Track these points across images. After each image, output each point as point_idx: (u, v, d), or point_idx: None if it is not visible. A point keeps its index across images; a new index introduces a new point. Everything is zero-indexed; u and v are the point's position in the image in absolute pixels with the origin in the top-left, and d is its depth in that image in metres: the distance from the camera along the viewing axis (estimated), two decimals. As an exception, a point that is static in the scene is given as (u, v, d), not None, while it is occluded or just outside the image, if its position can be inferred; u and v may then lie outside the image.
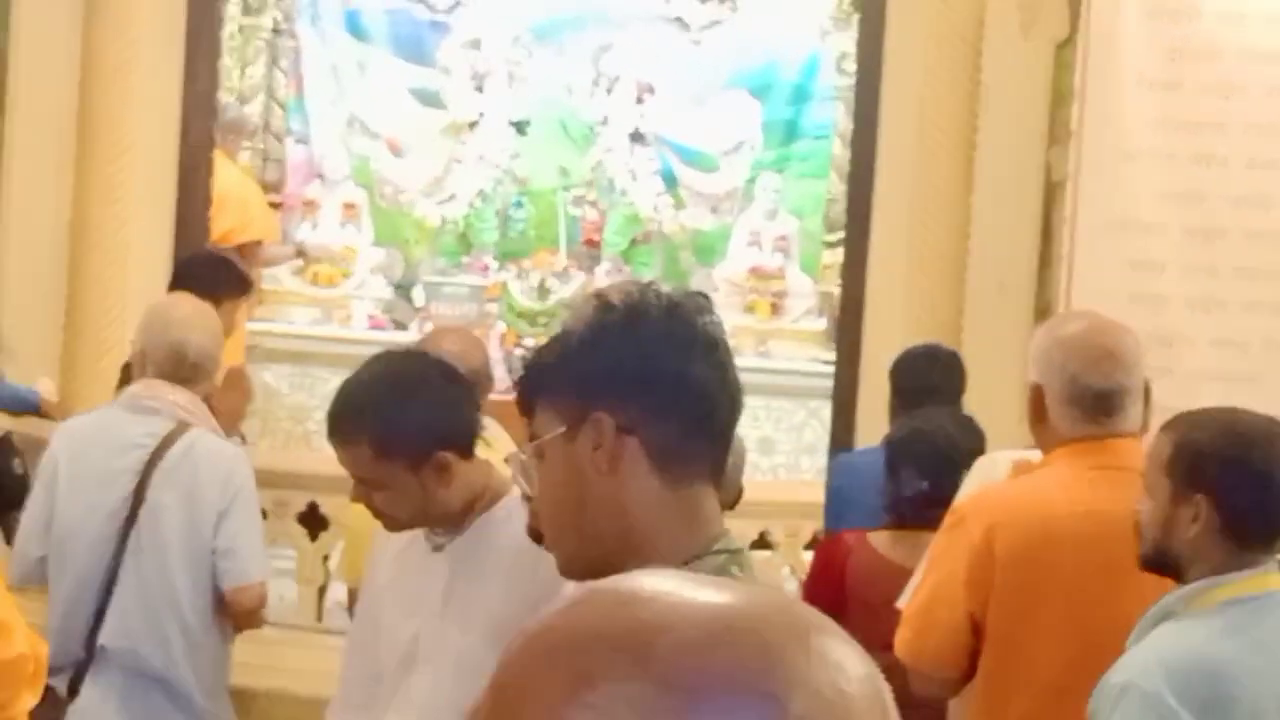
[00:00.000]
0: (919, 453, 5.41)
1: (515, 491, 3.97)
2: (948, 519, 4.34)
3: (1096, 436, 4.23)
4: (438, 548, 3.98)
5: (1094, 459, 4.21)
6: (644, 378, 2.50)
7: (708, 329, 2.54)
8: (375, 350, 4.21)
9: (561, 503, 2.57)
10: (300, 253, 12.16)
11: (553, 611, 1.24)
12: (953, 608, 4.21)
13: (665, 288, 2.60)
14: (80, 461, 5.20)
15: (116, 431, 5.18)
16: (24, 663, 3.98)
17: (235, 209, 9.87)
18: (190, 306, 5.41)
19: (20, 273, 8.24)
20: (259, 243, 10.78)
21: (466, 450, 3.92)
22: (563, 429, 2.52)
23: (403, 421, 3.82)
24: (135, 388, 5.23)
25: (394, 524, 3.96)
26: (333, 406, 3.91)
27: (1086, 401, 4.22)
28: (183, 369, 5.18)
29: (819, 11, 12.52)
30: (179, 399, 5.14)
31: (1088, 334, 4.34)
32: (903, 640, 4.30)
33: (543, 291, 12.34)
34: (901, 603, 4.51)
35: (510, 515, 3.88)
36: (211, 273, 6.99)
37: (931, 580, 4.31)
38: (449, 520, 3.93)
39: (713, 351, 2.54)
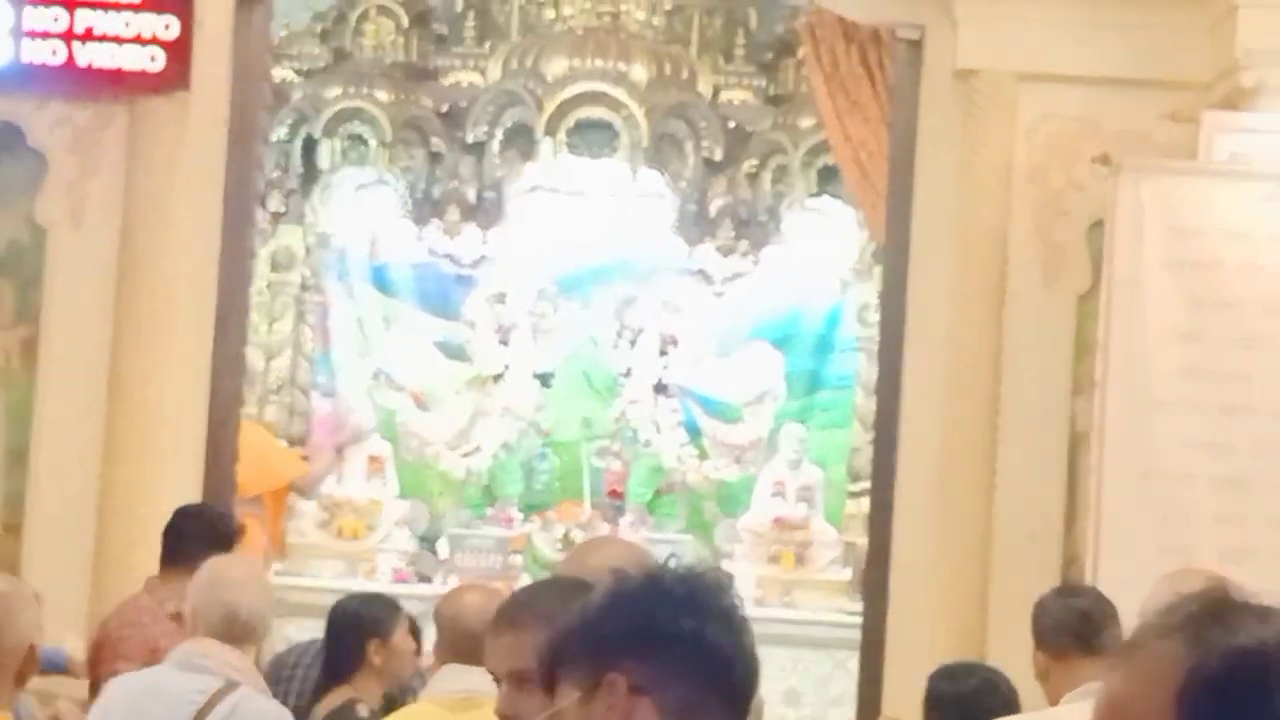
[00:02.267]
0: (948, 713, 5.37)
1: None
2: None
3: None
4: None
5: None
6: (658, 638, 2.50)
7: (725, 603, 2.56)
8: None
9: None
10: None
11: None
12: None
13: (685, 561, 2.65)
14: (131, 714, 5.29)
15: (167, 687, 5.29)
16: None
17: (251, 460, 9.92)
18: (244, 569, 5.56)
19: (49, 531, 8.26)
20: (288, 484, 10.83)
21: None
22: (578, 694, 2.51)
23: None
24: (187, 645, 5.37)
25: None
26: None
27: None
28: (235, 628, 5.31)
29: (840, 263, 12.65)
30: (230, 658, 5.27)
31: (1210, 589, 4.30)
32: None
33: (567, 543, 12.31)
34: None
35: None
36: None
37: None
38: None
39: (729, 621, 2.54)
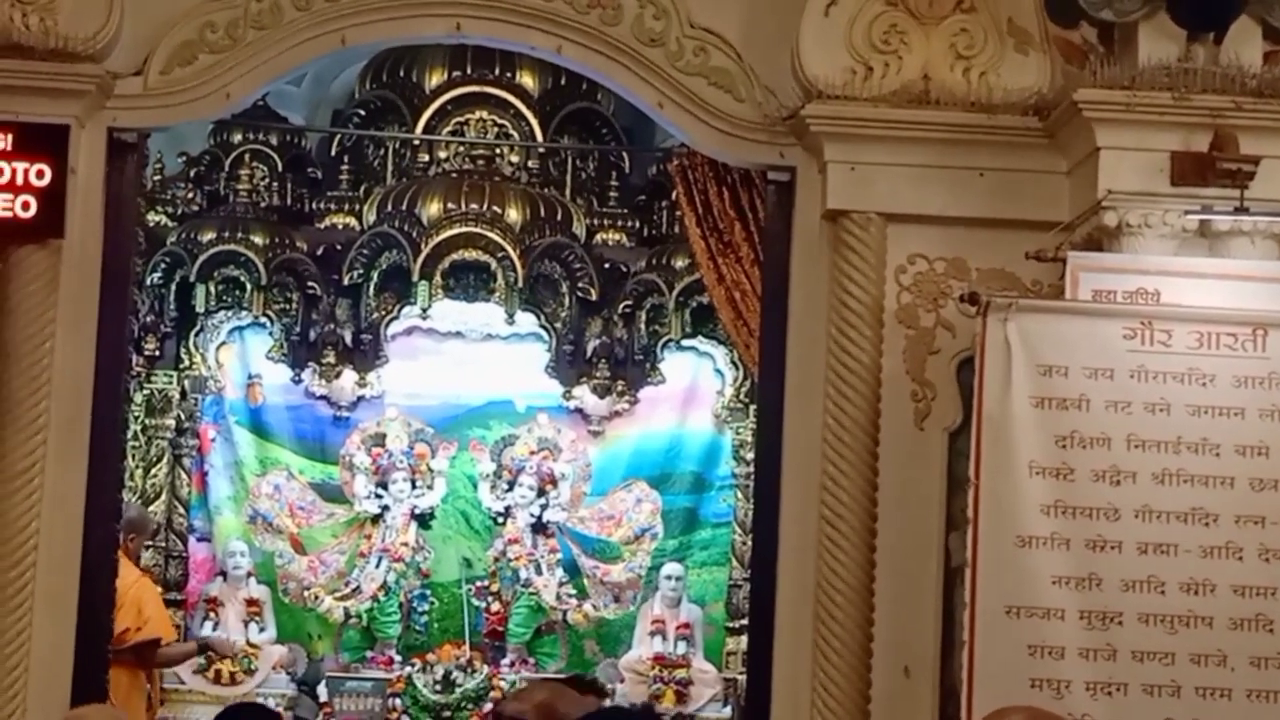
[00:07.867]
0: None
1: None
2: None
3: None
4: None
5: None
6: None
7: None
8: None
9: None
10: (203, 648, 12.02)
11: None
12: None
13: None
14: None
15: None
16: None
17: (130, 609, 9.83)
18: (101, 716, 5.50)
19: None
20: (157, 641, 10.68)
21: None
22: None
23: None
24: None
25: None
26: None
27: None
28: None
29: (716, 401, 12.74)
30: None
31: None
32: None
33: (448, 685, 12.29)
34: None
35: None
36: None
37: None
38: None
39: None
